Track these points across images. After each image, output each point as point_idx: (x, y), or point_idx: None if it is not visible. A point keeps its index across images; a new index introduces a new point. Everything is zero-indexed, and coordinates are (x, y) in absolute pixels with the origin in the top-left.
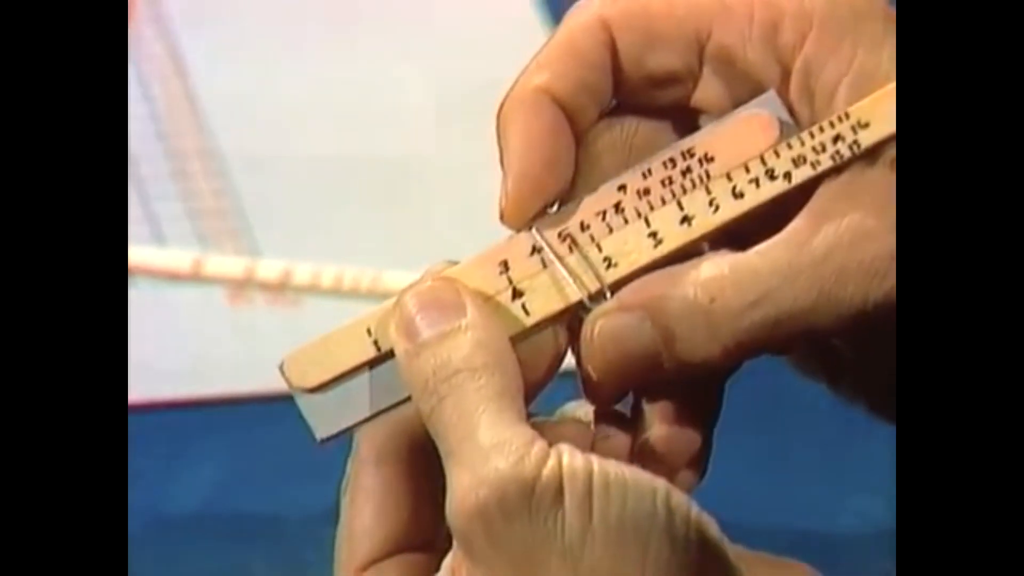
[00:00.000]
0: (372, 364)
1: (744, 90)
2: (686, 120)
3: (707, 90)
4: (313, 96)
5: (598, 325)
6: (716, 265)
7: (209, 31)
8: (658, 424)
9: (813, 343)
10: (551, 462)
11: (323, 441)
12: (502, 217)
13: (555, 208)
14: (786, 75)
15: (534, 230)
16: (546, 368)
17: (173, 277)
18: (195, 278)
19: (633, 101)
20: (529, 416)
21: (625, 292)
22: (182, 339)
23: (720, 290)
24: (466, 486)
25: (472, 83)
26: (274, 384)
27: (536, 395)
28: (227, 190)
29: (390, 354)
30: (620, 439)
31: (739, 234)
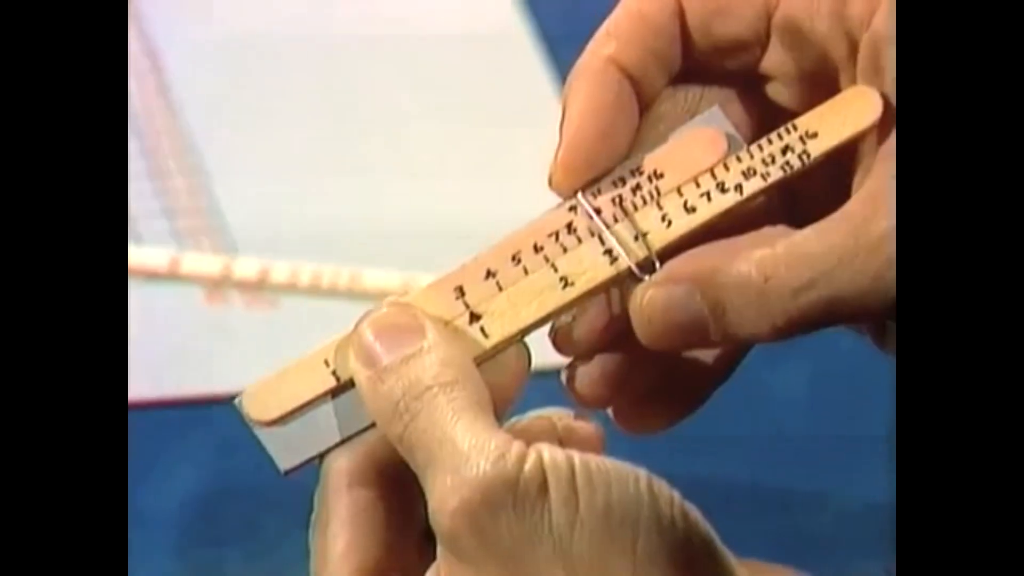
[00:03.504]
0: (332, 394)
1: (810, 60)
2: (751, 88)
3: (774, 59)
4: (290, 94)
5: (648, 295)
6: (772, 243)
7: (185, 29)
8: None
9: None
10: (532, 458)
11: (287, 472)
12: (550, 182)
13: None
14: (853, 48)
15: (580, 197)
16: (510, 389)
17: (150, 276)
18: (172, 277)
19: (699, 69)
20: None
21: (675, 263)
22: (159, 338)
23: (775, 269)
24: (448, 487)
25: (456, 84)
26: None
27: (501, 416)
28: (203, 188)
29: (349, 383)
30: (588, 432)
31: (795, 206)
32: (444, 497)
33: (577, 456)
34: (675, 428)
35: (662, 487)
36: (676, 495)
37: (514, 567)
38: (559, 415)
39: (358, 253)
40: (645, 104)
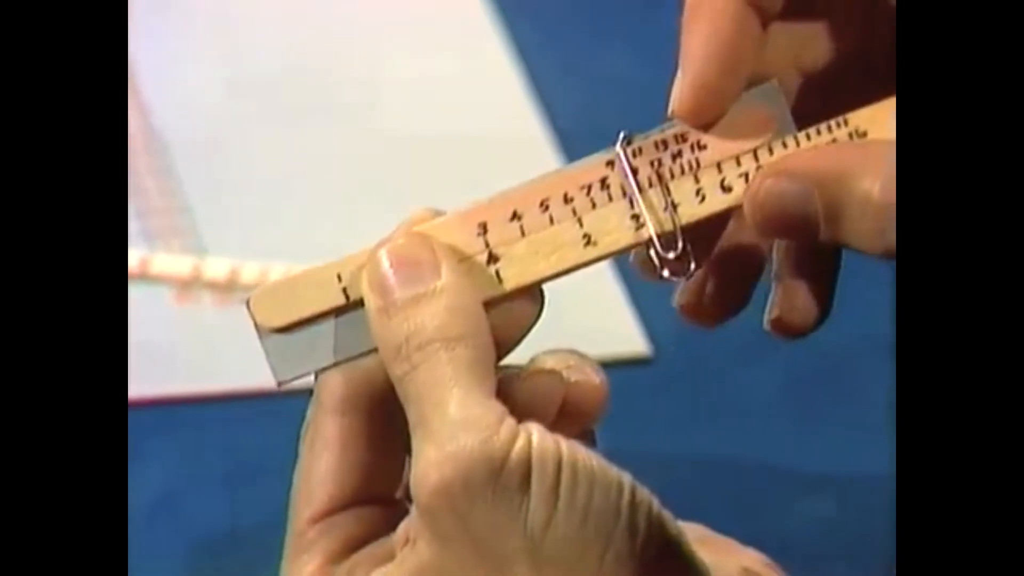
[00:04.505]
0: (339, 311)
1: None
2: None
3: None
4: (261, 95)
5: (766, 183)
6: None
7: (156, 31)
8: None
9: None
10: (520, 443)
11: (281, 383)
12: (673, 115)
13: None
14: None
15: (619, 153)
16: (516, 332)
17: None
18: (142, 277)
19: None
20: (499, 370)
21: (804, 156)
22: (129, 339)
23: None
24: (432, 461)
25: (422, 78)
26: (223, 384)
27: (506, 356)
28: (173, 188)
29: (359, 303)
30: (595, 386)
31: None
32: (426, 470)
33: (566, 448)
34: (655, 435)
35: (643, 497)
36: (655, 504)
37: (483, 552)
38: (568, 362)
39: (328, 254)
40: (766, 21)
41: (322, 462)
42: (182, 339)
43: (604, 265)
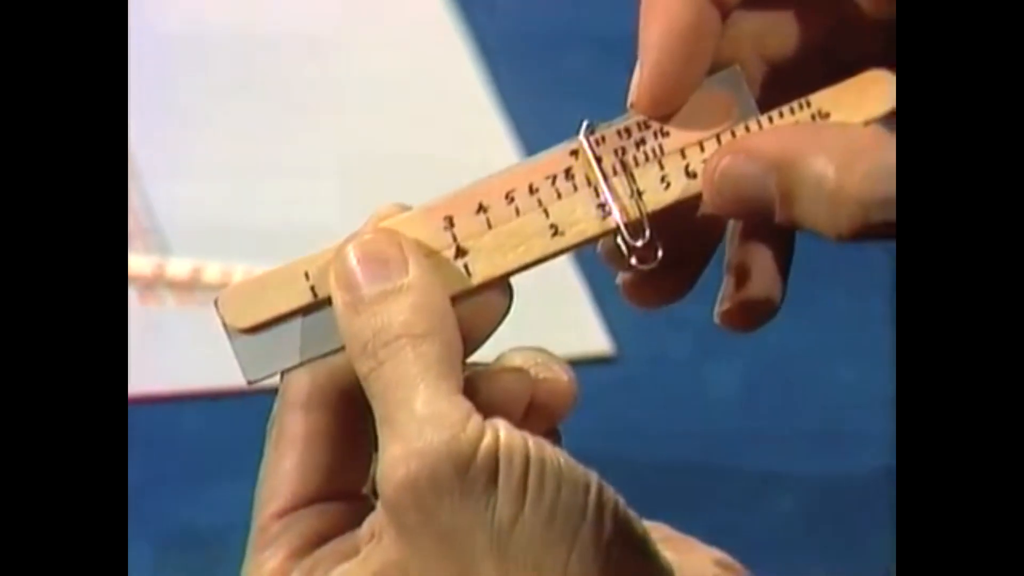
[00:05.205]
0: (307, 310)
1: None
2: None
3: None
4: (223, 95)
5: (723, 163)
6: (857, 150)
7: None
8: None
9: None
10: (487, 440)
11: (251, 382)
12: (632, 107)
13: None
14: None
15: (583, 142)
16: (485, 326)
17: None
18: None
19: None
20: (467, 367)
21: (761, 137)
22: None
23: (853, 180)
24: (398, 457)
25: (384, 79)
26: (186, 384)
27: (475, 351)
28: (136, 189)
29: (327, 301)
30: (562, 385)
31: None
32: (393, 465)
33: (533, 446)
34: (617, 434)
35: (609, 495)
36: (621, 503)
37: (449, 548)
38: (535, 360)
39: (290, 253)
40: (725, 15)
41: (286, 458)
42: (145, 339)
43: (566, 263)
